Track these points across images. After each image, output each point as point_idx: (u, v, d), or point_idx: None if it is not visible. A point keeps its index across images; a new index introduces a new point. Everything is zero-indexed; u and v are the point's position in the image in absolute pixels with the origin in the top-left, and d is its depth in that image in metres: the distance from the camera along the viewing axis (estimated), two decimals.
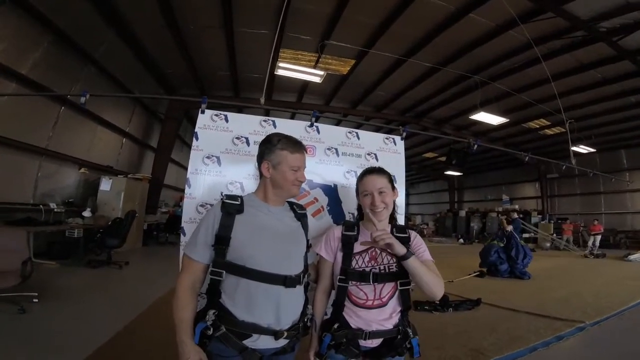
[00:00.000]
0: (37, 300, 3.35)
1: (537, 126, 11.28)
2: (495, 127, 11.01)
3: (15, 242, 3.30)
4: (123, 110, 9.03)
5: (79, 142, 7.24)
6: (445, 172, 19.41)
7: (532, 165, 15.66)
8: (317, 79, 7.92)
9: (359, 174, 1.38)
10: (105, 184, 7.31)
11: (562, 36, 6.21)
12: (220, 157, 1.80)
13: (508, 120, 9.94)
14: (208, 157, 1.80)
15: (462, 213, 19.40)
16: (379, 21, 6.27)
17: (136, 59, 7.69)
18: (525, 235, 12.40)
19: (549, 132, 11.62)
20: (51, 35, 5.85)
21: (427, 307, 3.98)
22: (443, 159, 14.38)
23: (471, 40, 6.69)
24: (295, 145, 1.21)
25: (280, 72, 7.63)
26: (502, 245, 6.80)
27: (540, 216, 15.97)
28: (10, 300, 3.11)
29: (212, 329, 1.06)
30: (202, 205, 1.72)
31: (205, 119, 1.84)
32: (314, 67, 7.54)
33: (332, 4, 5.85)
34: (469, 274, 6.44)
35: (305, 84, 8.88)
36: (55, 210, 6.22)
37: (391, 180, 1.33)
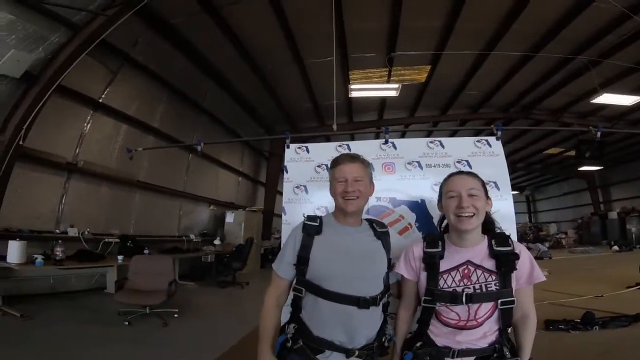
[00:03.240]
0: (177, 315, 4.03)
1: None
2: (631, 108, 8.68)
3: (163, 267, 4.12)
4: (235, 152, 10.65)
5: (206, 183, 8.87)
6: (579, 169, 15.72)
7: None
8: (393, 93, 7.73)
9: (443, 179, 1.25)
10: (230, 217, 8.91)
11: None
12: (307, 186, 1.96)
13: None
14: (297, 187, 1.98)
15: (613, 215, 15.45)
16: (440, 23, 5.85)
17: (236, 104, 8.69)
18: None
19: None
20: (167, 91, 6.84)
21: (562, 327, 3.33)
22: (572, 153, 11.76)
23: (552, 22, 5.69)
24: (338, 159, 1.25)
25: (354, 94, 7.77)
26: None
27: None
28: (157, 315, 3.85)
29: (291, 341, 1.14)
30: None
31: (291, 153, 2.05)
32: (387, 81, 7.41)
33: (386, 17, 5.69)
34: (629, 287, 5.04)
35: (383, 100, 8.78)
36: (194, 240, 7.74)
37: (485, 186, 1.17)
